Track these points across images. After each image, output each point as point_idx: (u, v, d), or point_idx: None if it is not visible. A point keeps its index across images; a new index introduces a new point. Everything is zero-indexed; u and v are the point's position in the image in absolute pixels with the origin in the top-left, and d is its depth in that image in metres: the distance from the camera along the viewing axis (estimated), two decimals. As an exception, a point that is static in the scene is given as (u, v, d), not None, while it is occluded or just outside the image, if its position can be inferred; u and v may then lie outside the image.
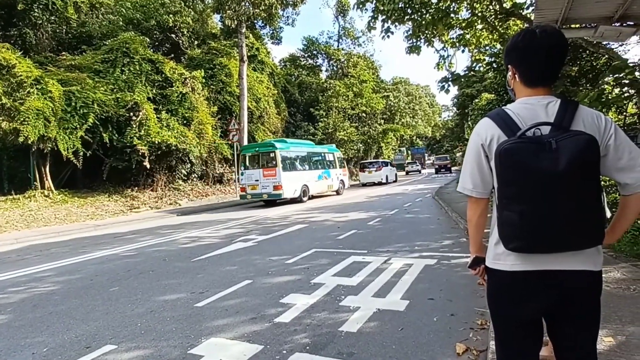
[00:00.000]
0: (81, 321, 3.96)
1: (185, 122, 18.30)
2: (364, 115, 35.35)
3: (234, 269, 5.84)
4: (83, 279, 5.67)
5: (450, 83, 9.08)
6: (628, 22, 3.79)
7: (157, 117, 16.61)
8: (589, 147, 1.29)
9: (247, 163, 17.06)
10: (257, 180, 16.21)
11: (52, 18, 17.77)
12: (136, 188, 17.25)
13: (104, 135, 14.92)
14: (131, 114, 15.58)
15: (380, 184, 27.72)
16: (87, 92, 14.43)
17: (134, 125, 15.50)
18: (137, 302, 4.45)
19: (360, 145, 35.49)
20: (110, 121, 15.24)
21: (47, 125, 12.95)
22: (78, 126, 13.95)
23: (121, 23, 21.35)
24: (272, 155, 16.34)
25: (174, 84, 18.19)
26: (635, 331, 2.85)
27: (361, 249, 6.71)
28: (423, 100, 56.41)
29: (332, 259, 6.12)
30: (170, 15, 22.41)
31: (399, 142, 48.45)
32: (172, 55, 21.94)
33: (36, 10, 16.58)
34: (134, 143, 15.31)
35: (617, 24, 3.77)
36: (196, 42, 24.87)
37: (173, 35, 23.27)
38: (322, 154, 20.59)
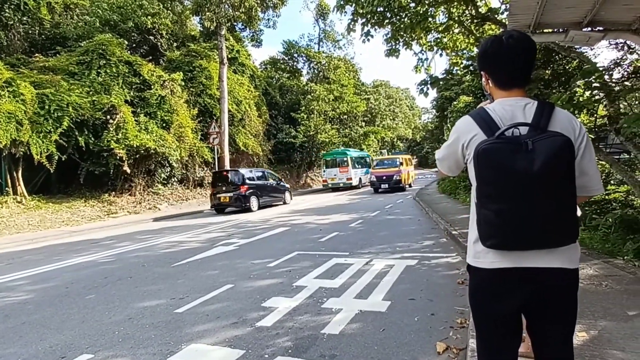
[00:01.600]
0: (56, 330, 3.84)
1: (164, 125, 17.99)
2: (345, 117, 35.48)
3: (215, 273, 5.78)
4: (58, 287, 5.50)
5: (429, 86, 9.19)
6: (598, 28, 3.92)
7: (135, 120, 16.28)
8: (564, 149, 1.33)
9: (327, 164, 27.40)
10: (335, 175, 26.50)
11: (24, 19, 17.24)
12: (114, 193, 16.85)
13: (80, 138, 14.51)
14: (108, 117, 15.22)
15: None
16: (62, 94, 14.03)
17: (111, 129, 15.14)
18: (115, 310, 4.35)
19: (342, 147, 35.62)
20: (86, 124, 14.85)
21: (19, 128, 12.53)
22: (52, 130, 13.55)
23: (97, 24, 20.79)
24: (345, 159, 26.66)
25: (152, 87, 17.86)
26: (607, 325, 2.94)
27: (343, 251, 6.73)
28: (403, 103, 57.14)
29: (314, 261, 6.12)
30: (149, 17, 22.01)
31: (380, 144, 48.88)
32: (151, 57, 21.52)
33: (7, 10, 16.07)
34: (111, 146, 14.96)
35: (587, 29, 3.90)
36: (175, 44, 24.52)
37: (151, 37, 22.88)
38: (365, 158, 30.82)
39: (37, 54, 16.66)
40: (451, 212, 10.47)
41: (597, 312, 3.20)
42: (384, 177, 21.81)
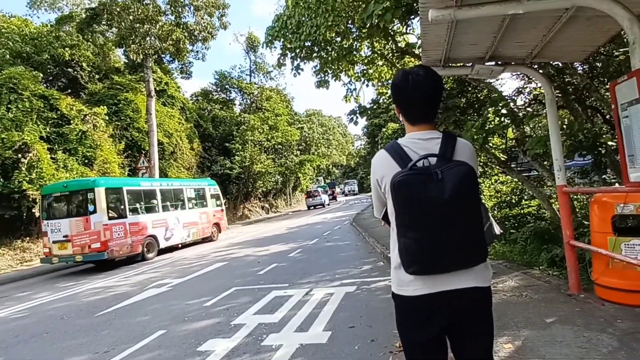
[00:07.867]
0: (-50, 407, 3.30)
1: (86, 161, 16.80)
2: (280, 147, 35.67)
3: (145, 319, 5.37)
4: (-45, 354, 4.77)
5: (358, 115, 9.59)
6: (499, 62, 4.39)
7: (51, 158, 15.02)
8: (469, 176, 1.46)
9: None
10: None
11: None
12: (28, 238, 15.20)
13: (-14, 180, 13.06)
14: (19, 155, 13.90)
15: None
16: (-36, 132, 12.64)
17: (23, 168, 13.81)
18: (26, 373, 3.85)
19: (278, 177, 35.62)
20: (-6, 165, 13.43)
21: None
22: (-49, 172, 12.07)
23: (7, 57, 19.20)
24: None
25: (72, 122, 16.70)
26: (529, 335, 3.16)
27: (282, 283, 6.62)
28: (336, 131, 58.85)
29: (253, 296, 5.94)
30: (67, 49, 20.75)
31: (315, 171, 49.65)
32: (70, 90, 20.16)
33: None
34: (24, 188, 13.60)
35: (490, 63, 4.35)
36: (97, 77, 23.25)
37: (70, 70, 21.52)
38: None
39: None
40: (386, 235, 10.66)
41: (519, 322, 3.44)
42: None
